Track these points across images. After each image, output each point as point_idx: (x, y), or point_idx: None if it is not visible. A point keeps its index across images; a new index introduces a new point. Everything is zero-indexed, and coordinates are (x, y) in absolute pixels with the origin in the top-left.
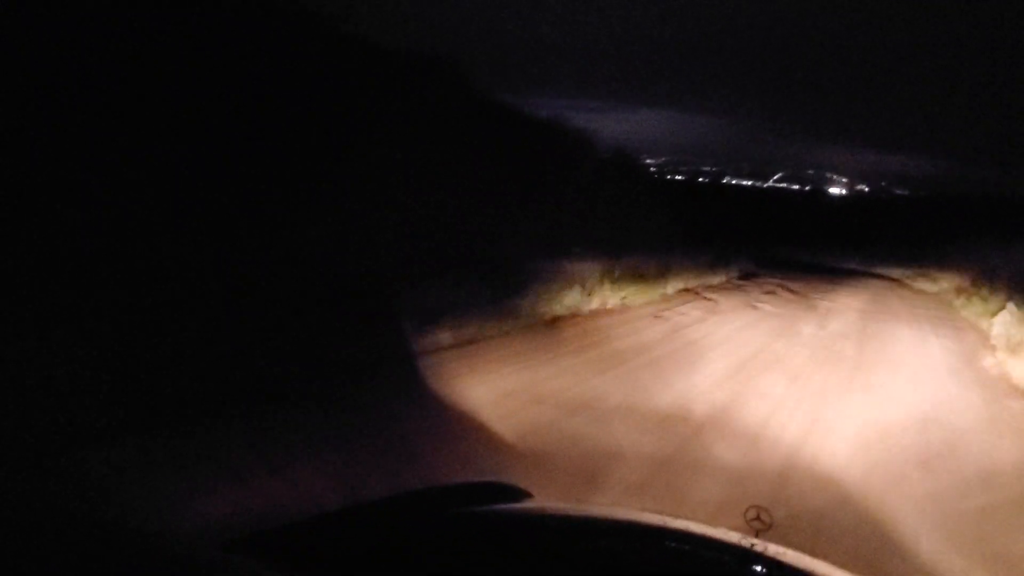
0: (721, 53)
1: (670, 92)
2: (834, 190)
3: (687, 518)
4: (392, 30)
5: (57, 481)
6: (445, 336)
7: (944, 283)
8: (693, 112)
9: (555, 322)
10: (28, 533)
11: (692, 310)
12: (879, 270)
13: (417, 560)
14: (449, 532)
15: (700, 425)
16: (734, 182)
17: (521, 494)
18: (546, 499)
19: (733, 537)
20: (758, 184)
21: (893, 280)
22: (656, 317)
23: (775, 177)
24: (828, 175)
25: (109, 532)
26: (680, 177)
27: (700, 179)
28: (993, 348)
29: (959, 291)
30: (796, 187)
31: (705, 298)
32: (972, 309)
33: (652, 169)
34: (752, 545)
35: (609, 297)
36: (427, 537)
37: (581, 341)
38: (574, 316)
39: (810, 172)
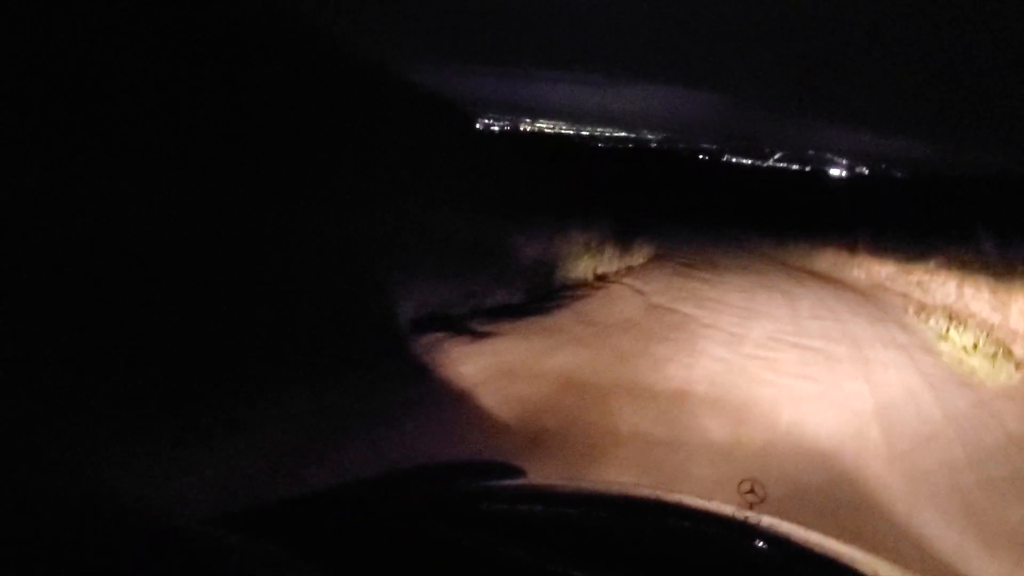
0: (727, 27)
1: (673, 66)
2: (834, 171)
3: (681, 492)
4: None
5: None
6: None
7: None
8: (696, 88)
9: None
10: (17, 515)
11: None
12: (868, 274)
13: (408, 538)
14: (441, 510)
15: None
16: (733, 160)
17: (514, 471)
18: (539, 476)
19: (727, 510)
20: (757, 163)
21: (892, 317)
22: None
23: (775, 157)
24: (828, 156)
25: (86, 508)
26: (683, 153)
27: (700, 156)
28: None
29: None
30: (796, 167)
31: None
32: None
33: (653, 145)
34: (746, 518)
35: None
36: (419, 515)
37: None
38: None
39: (810, 152)
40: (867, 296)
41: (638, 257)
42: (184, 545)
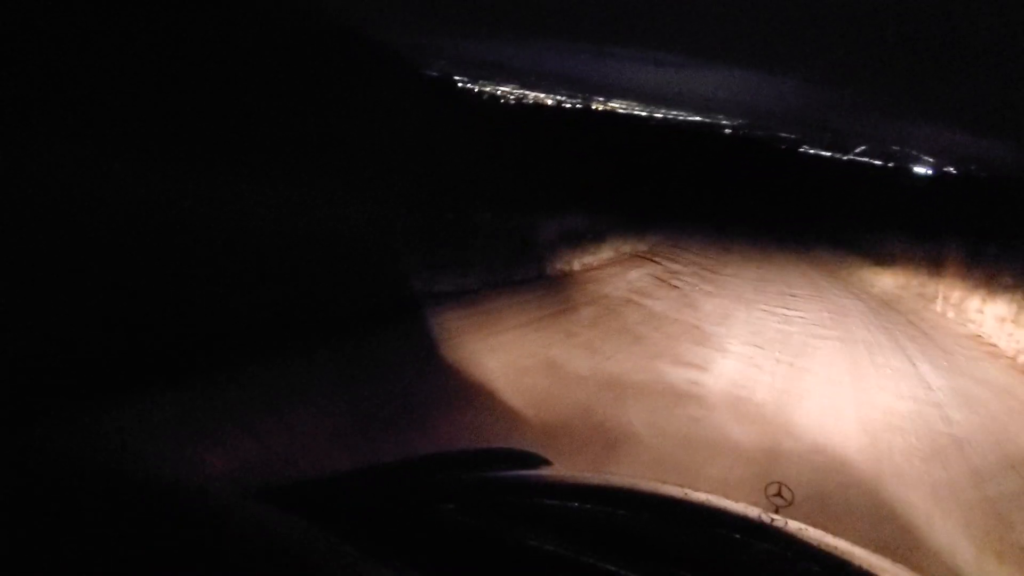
0: (813, 13)
1: (754, 51)
2: (919, 169)
3: (708, 492)
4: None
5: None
6: None
7: None
8: (778, 74)
9: None
10: (53, 492)
11: None
12: (959, 313)
13: (434, 524)
14: (467, 497)
15: None
16: (811, 152)
17: (540, 461)
18: (565, 467)
19: (753, 512)
20: (837, 156)
21: None
22: None
23: (857, 151)
24: (914, 153)
25: (128, 484)
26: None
27: (781, 145)
28: None
29: None
30: (878, 163)
31: None
32: None
33: (727, 131)
34: (772, 521)
35: None
36: (445, 501)
37: None
38: None
39: (895, 148)
40: (960, 367)
41: (594, 257)
42: (220, 518)
